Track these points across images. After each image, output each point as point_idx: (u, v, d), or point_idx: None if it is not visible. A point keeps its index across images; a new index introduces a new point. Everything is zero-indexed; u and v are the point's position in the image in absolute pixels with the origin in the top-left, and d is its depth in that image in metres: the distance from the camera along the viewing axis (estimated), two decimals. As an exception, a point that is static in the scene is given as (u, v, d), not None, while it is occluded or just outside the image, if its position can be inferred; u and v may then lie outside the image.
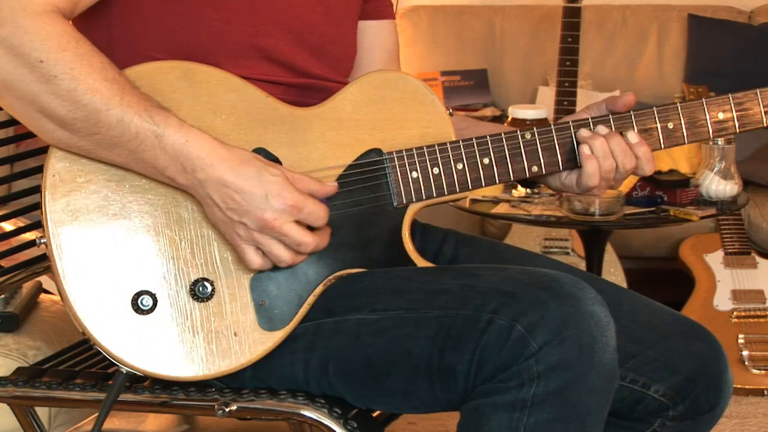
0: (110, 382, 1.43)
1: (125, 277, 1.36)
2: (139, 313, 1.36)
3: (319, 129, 1.46)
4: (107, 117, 1.31)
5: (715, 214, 2.91)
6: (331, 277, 1.43)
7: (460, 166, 1.47)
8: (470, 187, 1.48)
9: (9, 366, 1.73)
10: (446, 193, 1.47)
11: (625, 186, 2.79)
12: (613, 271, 3.37)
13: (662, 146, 1.52)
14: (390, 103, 1.49)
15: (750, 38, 3.95)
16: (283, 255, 1.35)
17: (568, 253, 3.44)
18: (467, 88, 4.04)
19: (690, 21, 4.01)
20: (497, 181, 1.49)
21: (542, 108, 2.85)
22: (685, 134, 1.52)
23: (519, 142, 1.48)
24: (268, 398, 1.43)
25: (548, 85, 3.92)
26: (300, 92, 1.50)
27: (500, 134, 1.48)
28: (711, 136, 1.52)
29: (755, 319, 3.17)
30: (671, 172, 2.89)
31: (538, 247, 3.46)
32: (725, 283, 3.28)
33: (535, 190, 1.58)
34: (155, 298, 1.36)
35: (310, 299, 1.42)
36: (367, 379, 1.40)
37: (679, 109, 1.52)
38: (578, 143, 1.49)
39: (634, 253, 3.55)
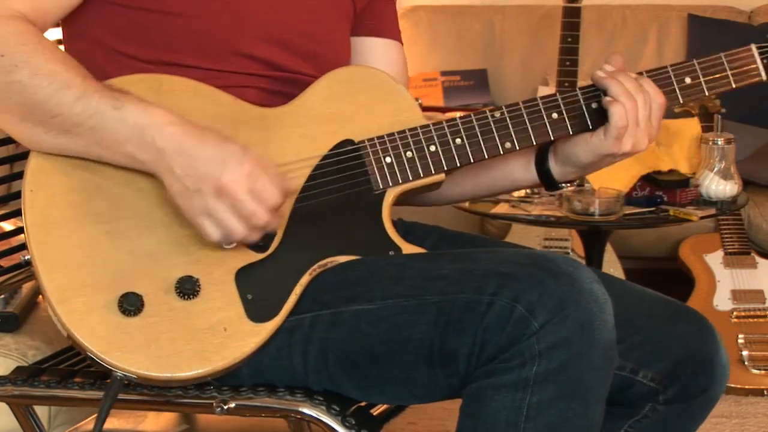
0: (108, 382, 1.43)
1: (110, 281, 1.37)
2: (127, 315, 1.36)
3: (290, 126, 1.48)
4: (67, 96, 1.34)
5: (714, 214, 2.91)
6: (315, 266, 1.44)
7: (432, 148, 1.49)
8: (445, 167, 1.49)
9: (8, 366, 1.73)
10: (422, 175, 1.49)
11: (625, 186, 2.80)
12: (613, 271, 3.37)
13: None
14: (358, 96, 1.51)
15: (750, 38, 3.92)
16: (236, 226, 1.35)
17: (568, 253, 3.45)
18: (467, 88, 4.05)
19: (690, 21, 4.01)
20: (471, 160, 1.50)
21: (542, 108, 2.85)
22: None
23: (489, 121, 1.50)
24: (266, 395, 1.43)
25: (548, 85, 3.92)
26: (284, 84, 1.52)
27: (470, 114, 1.50)
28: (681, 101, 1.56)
29: (755, 319, 3.17)
30: (671, 172, 2.89)
31: (537, 247, 3.46)
32: (725, 283, 3.28)
33: (566, 185, 1.59)
34: (141, 299, 1.36)
35: (297, 289, 1.42)
36: (368, 369, 1.40)
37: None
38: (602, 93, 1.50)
39: (634, 253, 3.55)
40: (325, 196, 1.46)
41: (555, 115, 1.52)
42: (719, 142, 2.88)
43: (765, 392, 2.98)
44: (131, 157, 1.36)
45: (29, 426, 1.65)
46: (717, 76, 1.56)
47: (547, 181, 1.60)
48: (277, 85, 1.52)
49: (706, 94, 1.56)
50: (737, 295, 3.24)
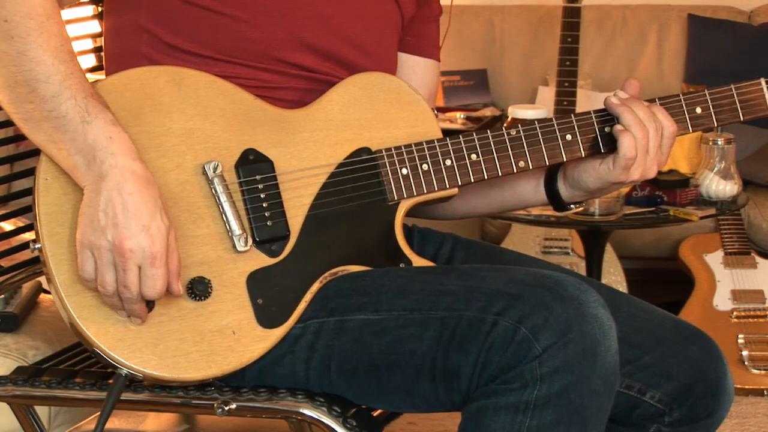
0: (111, 381, 1.42)
1: None
2: None
3: (308, 129, 1.47)
4: (44, 89, 1.31)
5: (714, 214, 2.92)
6: (326, 275, 1.44)
7: (448, 162, 1.50)
8: (459, 182, 1.50)
9: (9, 366, 1.73)
10: (436, 188, 1.49)
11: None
12: (613, 271, 3.37)
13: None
14: (376, 103, 1.51)
15: (750, 38, 3.95)
16: (109, 282, 1.31)
17: (567, 253, 3.45)
18: (467, 88, 4.05)
19: (690, 21, 4.01)
20: (485, 177, 1.51)
21: (542, 108, 2.85)
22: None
23: (505, 139, 1.51)
24: (267, 397, 1.43)
25: (548, 85, 3.92)
26: (322, 86, 1.52)
27: (486, 131, 1.51)
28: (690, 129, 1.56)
29: (755, 319, 3.17)
30: (671, 172, 2.89)
31: (537, 247, 3.46)
32: (725, 283, 3.28)
33: (574, 206, 1.59)
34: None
35: (307, 296, 1.42)
36: (370, 379, 1.40)
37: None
38: (615, 119, 1.50)
39: (634, 253, 3.55)
40: (338, 204, 1.46)
41: (569, 137, 1.53)
42: (719, 142, 2.88)
43: (765, 392, 2.98)
44: (74, 168, 1.33)
45: (29, 426, 1.64)
46: (726, 108, 1.56)
47: (555, 202, 1.60)
48: (316, 85, 1.52)
49: (715, 125, 1.56)
50: (737, 295, 3.24)
